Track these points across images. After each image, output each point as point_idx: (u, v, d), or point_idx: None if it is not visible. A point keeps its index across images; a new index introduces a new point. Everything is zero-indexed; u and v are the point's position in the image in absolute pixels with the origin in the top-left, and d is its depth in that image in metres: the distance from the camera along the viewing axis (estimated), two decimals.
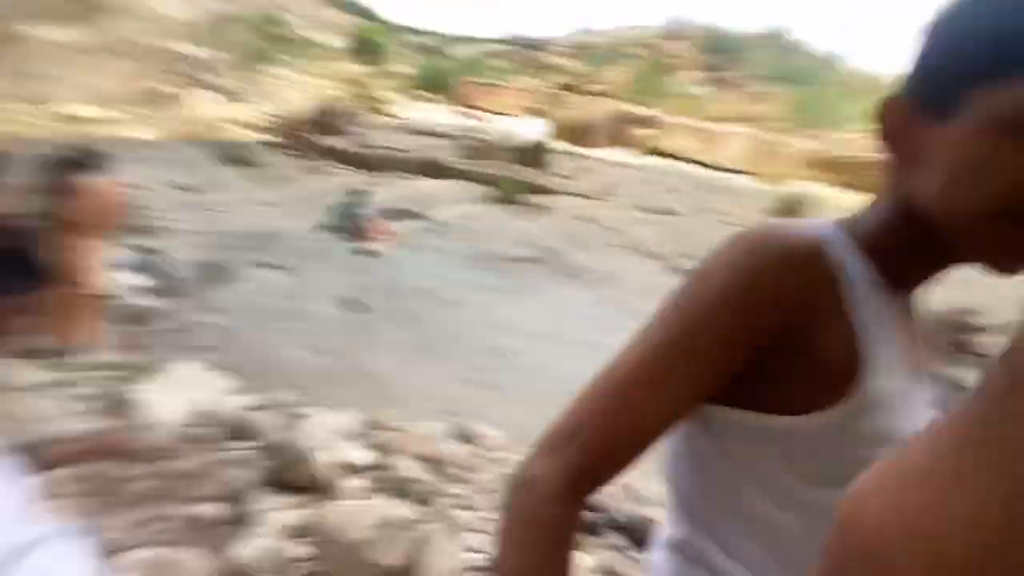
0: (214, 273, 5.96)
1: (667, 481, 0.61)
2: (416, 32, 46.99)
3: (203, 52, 19.72)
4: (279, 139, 16.05)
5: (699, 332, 0.50)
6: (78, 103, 14.85)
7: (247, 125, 17.18)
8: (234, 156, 13.34)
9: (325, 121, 16.83)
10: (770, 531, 0.54)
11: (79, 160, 3.19)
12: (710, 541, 0.56)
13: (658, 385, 0.51)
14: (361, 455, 2.28)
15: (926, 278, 0.55)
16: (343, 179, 12.77)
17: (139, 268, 5.09)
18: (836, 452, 0.50)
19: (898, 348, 0.53)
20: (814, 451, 0.51)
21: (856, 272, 0.52)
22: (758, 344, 0.50)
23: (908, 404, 0.52)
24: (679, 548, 0.59)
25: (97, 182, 3.16)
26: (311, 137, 15.76)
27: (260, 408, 2.67)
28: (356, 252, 8.31)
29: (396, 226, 9.68)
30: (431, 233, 10.25)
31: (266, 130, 16.86)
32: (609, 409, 0.52)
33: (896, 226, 0.53)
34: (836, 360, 0.50)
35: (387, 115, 20.71)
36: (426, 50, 39.72)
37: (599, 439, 0.52)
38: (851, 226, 0.55)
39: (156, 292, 4.95)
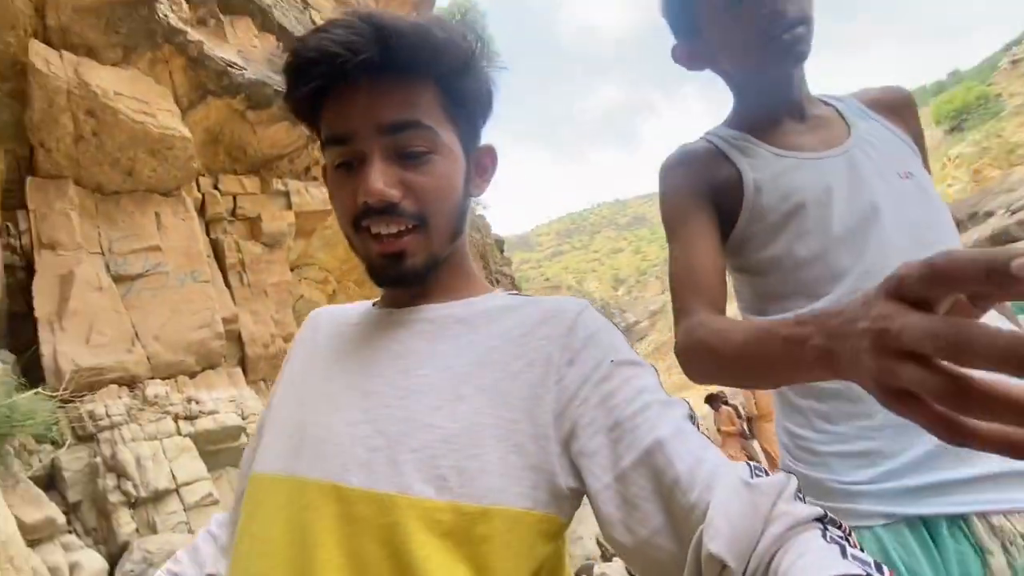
0: None
1: None
2: None
3: None
4: None
5: (671, 218, 0.84)
6: None
7: None
8: None
9: None
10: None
11: None
12: None
13: (680, 253, 0.80)
14: None
15: (785, 105, 0.84)
16: None
17: None
18: (763, 231, 0.80)
19: (793, 146, 0.82)
20: (758, 240, 0.81)
21: (730, 139, 0.85)
22: (701, 203, 0.81)
23: (804, 169, 0.80)
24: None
25: None
26: None
27: None
28: None
29: None
30: None
31: None
32: (675, 284, 0.78)
33: (738, 97, 0.88)
34: (732, 185, 0.81)
35: None
36: None
37: (681, 292, 0.77)
38: (726, 122, 0.90)
39: None
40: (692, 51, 0.86)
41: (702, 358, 0.66)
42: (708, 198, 0.82)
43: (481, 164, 0.60)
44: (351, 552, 0.44)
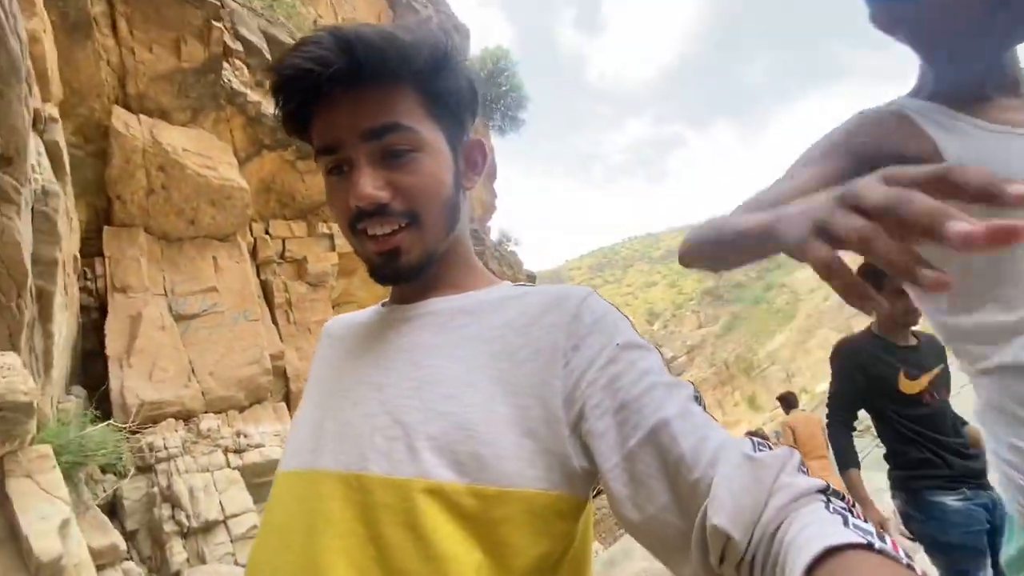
0: None
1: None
2: None
3: None
4: None
5: (805, 155, 0.78)
6: None
7: None
8: None
9: None
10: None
11: (786, 400, 5.04)
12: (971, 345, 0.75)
13: (780, 180, 0.76)
14: None
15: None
16: None
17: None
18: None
19: (1006, 121, 0.73)
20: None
21: (922, 111, 0.77)
22: (848, 161, 0.74)
23: (1021, 145, 0.71)
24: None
25: (800, 416, 4.94)
26: None
27: None
28: None
29: None
30: None
31: None
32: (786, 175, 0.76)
33: (940, 69, 0.79)
34: (926, 160, 0.72)
35: None
36: None
37: (744, 205, 0.72)
38: (913, 93, 0.82)
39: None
40: (900, 15, 0.79)
41: (698, 233, 0.68)
42: (867, 162, 0.74)
43: (471, 158, 0.61)
44: (374, 538, 0.45)
